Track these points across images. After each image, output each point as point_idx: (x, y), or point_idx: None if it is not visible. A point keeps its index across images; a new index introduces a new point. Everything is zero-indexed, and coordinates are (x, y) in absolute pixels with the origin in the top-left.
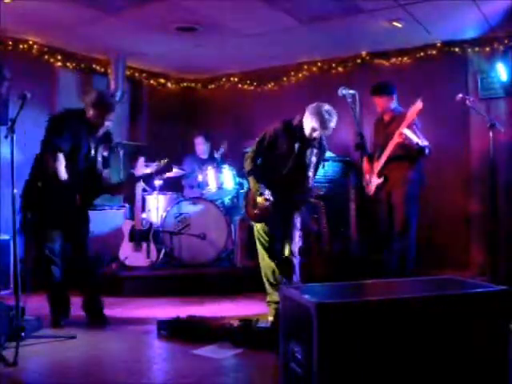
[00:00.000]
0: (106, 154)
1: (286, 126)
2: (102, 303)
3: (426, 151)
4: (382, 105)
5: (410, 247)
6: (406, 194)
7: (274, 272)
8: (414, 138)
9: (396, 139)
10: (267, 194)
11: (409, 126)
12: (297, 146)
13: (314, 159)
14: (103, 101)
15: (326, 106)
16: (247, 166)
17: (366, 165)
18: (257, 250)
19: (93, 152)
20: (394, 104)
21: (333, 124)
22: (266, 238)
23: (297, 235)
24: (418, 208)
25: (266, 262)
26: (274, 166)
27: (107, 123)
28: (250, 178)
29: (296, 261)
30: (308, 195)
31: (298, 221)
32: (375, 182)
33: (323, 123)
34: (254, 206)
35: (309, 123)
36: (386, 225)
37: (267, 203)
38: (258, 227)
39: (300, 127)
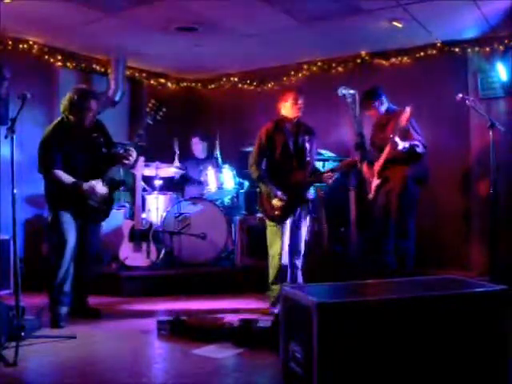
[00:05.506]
0: (101, 139)
1: (275, 124)
2: (86, 297)
3: (418, 150)
4: (374, 114)
5: (409, 248)
6: (404, 194)
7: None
8: (402, 145)
9: (389, 146)
10: (280, 194)
11: (400, 133)
12: (290, 140)
13: (307, 145)
14: (74, 102)
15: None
16: (253, 172)
17: (366, 170)
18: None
19: (88, 147)
20: (384, 106)
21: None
22: (281, 240)
23: (303, 237)
24: (416, 208)
25: (275, 263)
26: (279, 166)
27: (91, 113)
28: (261, 184)
29: (299, 263)
30: (310, 183)
31: (304, 223)
32: (375, 183)
33: (294, 92)
34: (271, 208)
35: (288, 106)
36: (382, 226)
37: (282, 203)
38: (275, 229)
39: (284, 119)
